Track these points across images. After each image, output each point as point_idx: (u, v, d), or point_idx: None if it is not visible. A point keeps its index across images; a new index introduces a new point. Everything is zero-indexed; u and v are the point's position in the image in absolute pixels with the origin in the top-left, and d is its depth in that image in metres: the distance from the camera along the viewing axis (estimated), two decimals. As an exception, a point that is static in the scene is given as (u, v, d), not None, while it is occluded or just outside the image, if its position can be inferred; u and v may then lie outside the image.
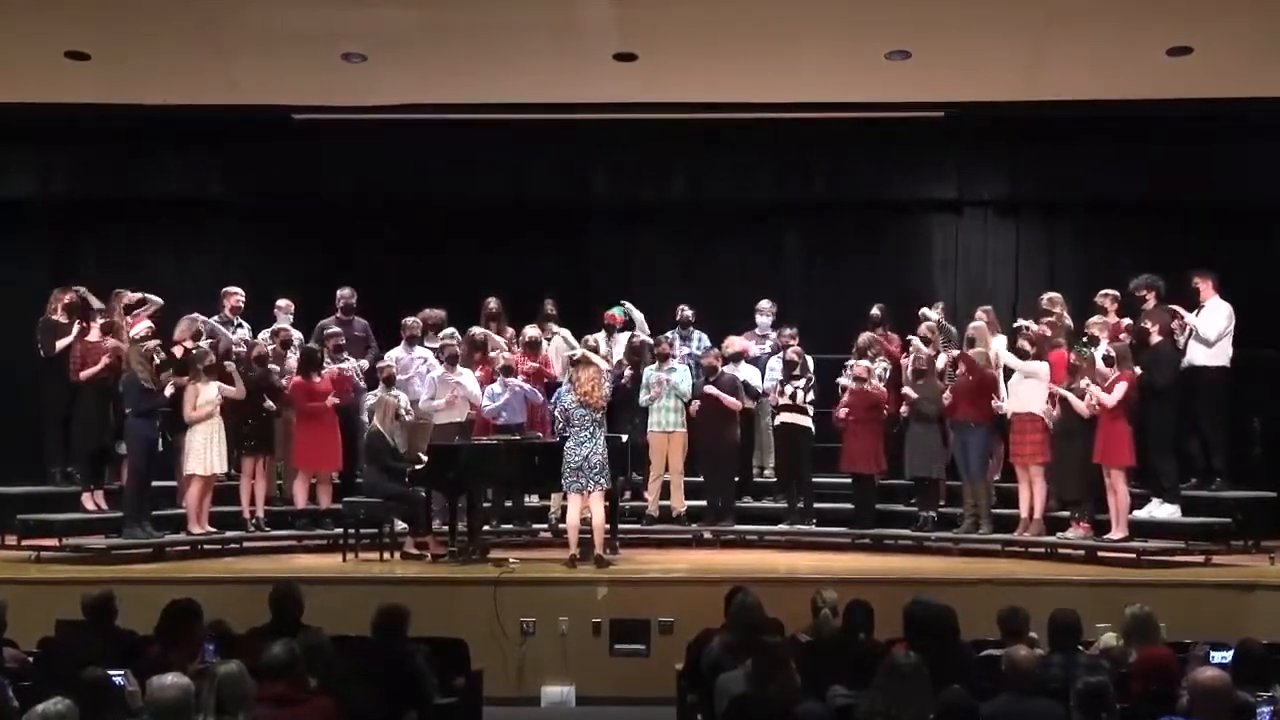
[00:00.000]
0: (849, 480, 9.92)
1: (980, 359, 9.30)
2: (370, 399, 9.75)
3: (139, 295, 9.94)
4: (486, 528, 9.45)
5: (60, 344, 9.57)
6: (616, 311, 10.70)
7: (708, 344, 10.48)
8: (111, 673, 4.71)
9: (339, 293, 10.49)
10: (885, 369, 10.05)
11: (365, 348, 10.44)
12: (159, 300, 9.88)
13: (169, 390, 9.00)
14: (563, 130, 11.15)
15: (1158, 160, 10.76)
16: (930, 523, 9.63)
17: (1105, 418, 8.54)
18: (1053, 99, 10.05)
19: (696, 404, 9.96)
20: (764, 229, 12.17)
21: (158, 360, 9.02)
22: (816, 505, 10.04)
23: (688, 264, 12.03)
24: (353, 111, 10.57)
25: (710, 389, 9.86)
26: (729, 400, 9.89)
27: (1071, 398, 8.71)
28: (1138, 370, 8.72)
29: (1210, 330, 8.98)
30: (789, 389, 9.91)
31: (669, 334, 10.50)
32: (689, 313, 10.69)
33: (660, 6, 8.30)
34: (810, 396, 9.97)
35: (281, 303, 10.46)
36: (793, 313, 10.99)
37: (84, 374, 9.41)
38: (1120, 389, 8.46)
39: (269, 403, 9.64)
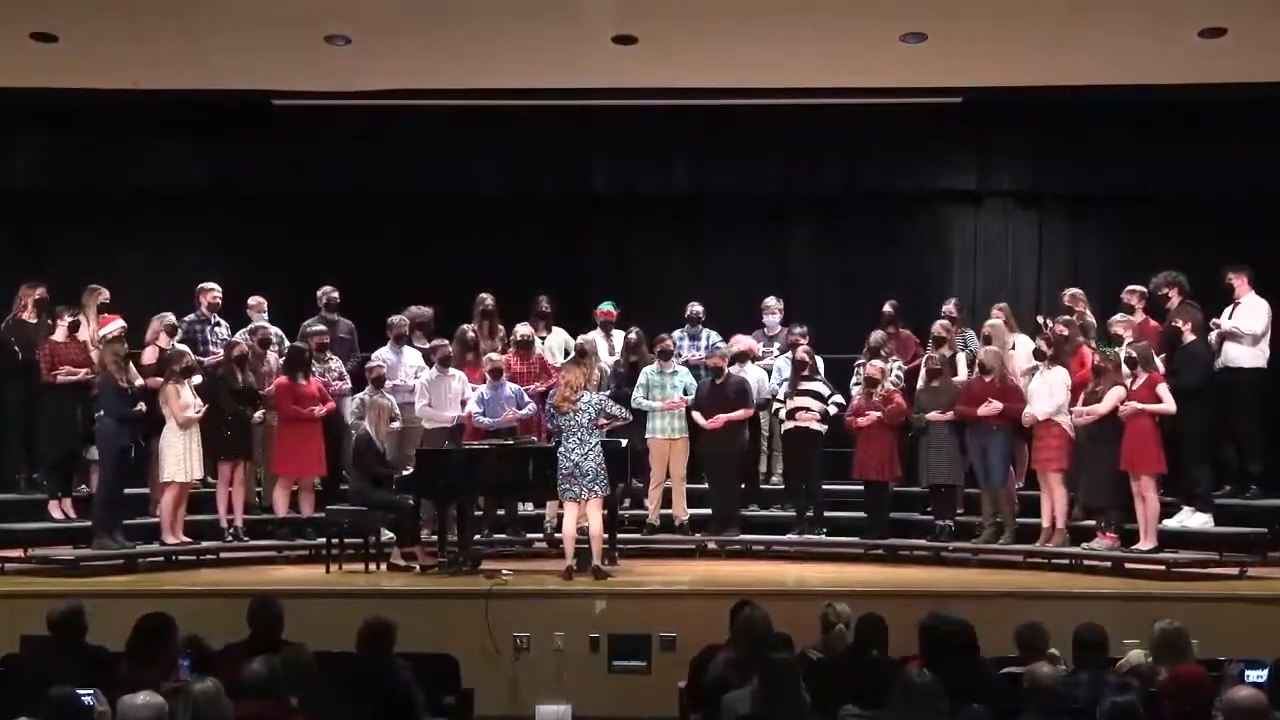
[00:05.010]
0: (861, 487, 9.91)
1: (994, 359, 9.29)
2: (355, 401, 9.73)
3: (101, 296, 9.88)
4: (478, 537, 9.44)
5: (43, 348, 9.42)
6: (608, 306, 10.70)
7: (717, 341, 10.46)
8: (80, 692, 4.69)
9: (321, 290, 10.47)
10: (900, 372, 10.03)
11: (350, 351, 10.42)
12: (121, 321, 9.43)
13: (138, 382, 8.96)
14: (559, 118, 11.17)
15: (1188, 149, 10.76)
16: (948, 532, 9.62)
17: (1132, 422, 8.53)
18: (1077, 84, 10.06)
19: (704, 420, 9.89)
20: (772, 222, 12.17)
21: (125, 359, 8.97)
22: (827, 513, 10.01)
23: (691, 260, 12.04)
24: (337, 98, 10.57)
25: (720, 417, 9.81)
26: (741, 415, 9.89)
27: (1104, 408, 8.64)
28: (1162, 370, 8.71)
29: (1256, 325, 8.95)
30: (817, 402, 9.85)
31: (676, 333, 10.50)
32: (699, 309, 10.67)
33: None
34: (838, 398, 9.96)
35: (253, 300, 10.44)
36: (802, 311, 10.98)
37: (60, 378, 9.33)
38: (1164, 391, 8.45)
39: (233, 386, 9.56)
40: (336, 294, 10.47)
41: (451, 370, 9.82)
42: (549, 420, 8.96)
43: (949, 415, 9.48)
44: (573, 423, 8.58)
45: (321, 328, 10.17)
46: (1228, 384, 9.07)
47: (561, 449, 8.59)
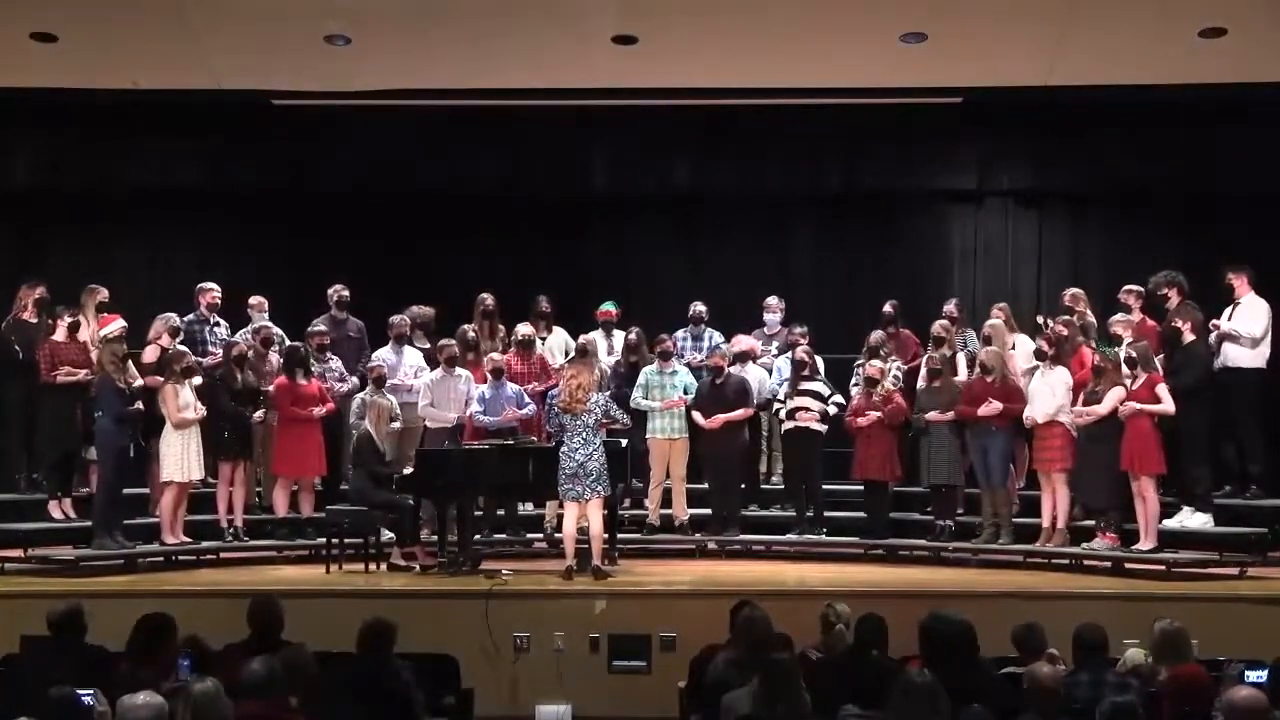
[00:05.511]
0: (861, 487, 9.91)
1: (995, 359, 9.29)
2: (356, 401, 9.72)
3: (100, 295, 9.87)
4: (478, 537, 9.44)
5: (43, 349, 9.39)
6: (609, 306, 10.70)
7: (720, 342, 10.45)
8: (80, 692, 4.70)
9: (331, 289, 10.45)
10: (899, 371, 10.02)
11: (359, 350, 10.38)
12: (122, 321, 9.50)
13: (137, 382, 8.96)
14: (559, 118, 11.17)
15: (1189, 148, 10.77)
16: (948, 532, 9.62)
17: (1132, 422, 8.53)
18: (1077, 84, 10.05)
19: (704, 420, 9.89)
20: (772, 222, 12.17)
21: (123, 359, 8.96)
22: (827, 514, 10.01)
23: (691, 260, 12.04)
24: (337, 98, 10.57)
25: (718, 417, 9.83)
26: (740, 415, 9.89)
27: (1104, 409, 8.63)
28: (1161, 370, 8.71)
29: (1255, 328, 8.95)
30: (817, 402, 9.85)
31: (679, 333, 10.51)
32: (702, 309, 10.66)
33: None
34: (838, 398, 9.95)
35: (254, 300, 10.44)
36: (802, 311, 10.98)
37: (60, 378, 9.30)
38: (1163, 391, 8.46)
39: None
40: (347, 293, 10.45)
41: (458, 370, 9.81)
42: (550, 420, 8.96)
43: (949, 415, 9.48)
44: (578, 423, 8.57)
45: (322, 328, 10.16)
46: (1228, 384, 9.05)
47: (565, 449, 8.58)
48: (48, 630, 5.92)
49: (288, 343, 10.08)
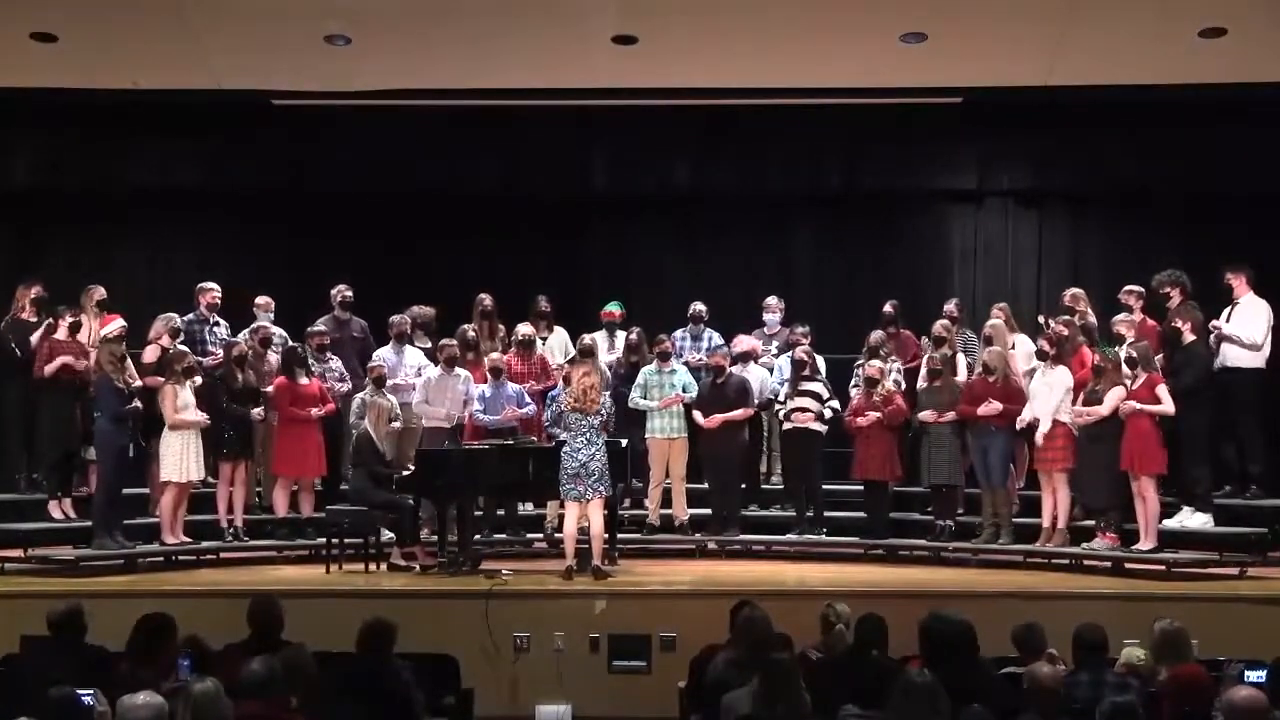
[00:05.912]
0: (861, 487, 9.91)
1: (998, 359, 9.28)
2: (356, 401, 9.72)
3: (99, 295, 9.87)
4: (478, 537, 9.44)
5: (42, 347, 9.40)
6: (613, 307, 10.70)
7: (719, 343, 10.45)
8: (80, 692, 4.70)
9: (335, 289, 10.44)
10: (899, 372, 10.02)
11: (364, 350, 10.36)
12: (122, 321, 9.54)
13: (136, 382, 8.96)
14: (559, 118, 11.18)
15: (1189, 148, 10.78)
16: (948, 532, 9.62)
17: (1132, 422, 8.53)
18: (1077, 84, 10.05)
19: (703, 420, 9.89)
20: (772, 222, 12.17)
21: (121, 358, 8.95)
22: (827, 514, 10.00)
23: (691, 260, 12.04)
24: (337, 98, 10.57)
25: (716, 417, 9.83)
26: (740, 415, 9.89)
27: (1104, 409, 8.62)
28: (1160, 370, 8.71)
29: (1255, 333, 8.95)
30: (815, 403, 9.84)
31: (678, 332, 10.51)
32: (701, 308, 10.66)
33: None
34: (834, 403, 9.94)
35: (260, 300, 10.44)
36: (803, 310, 10.98)
37: (47, 369, 9.28)
38: (1163, 392, 8.45)
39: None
40: (350, 293, 10.45)
41: (457, 370, 9.80)
42: (554, 419, 8.94)
43: (949, 416, 9.48)
44: (584, 423, 8.56)
45: (322, 328, 10.16)
46: (1228, 384, 9.05)
47: (568, 448, 8.57)
48: (48, 630, 5.91)
49: (288, 343, 10.09)
